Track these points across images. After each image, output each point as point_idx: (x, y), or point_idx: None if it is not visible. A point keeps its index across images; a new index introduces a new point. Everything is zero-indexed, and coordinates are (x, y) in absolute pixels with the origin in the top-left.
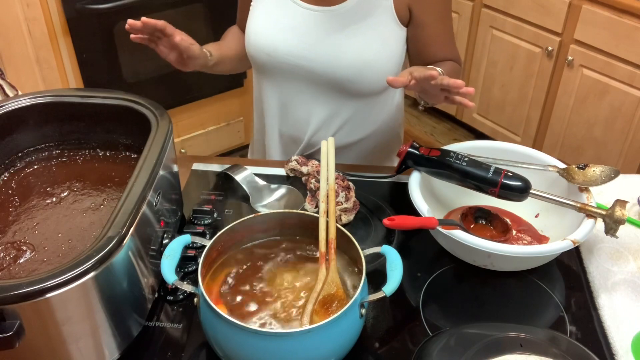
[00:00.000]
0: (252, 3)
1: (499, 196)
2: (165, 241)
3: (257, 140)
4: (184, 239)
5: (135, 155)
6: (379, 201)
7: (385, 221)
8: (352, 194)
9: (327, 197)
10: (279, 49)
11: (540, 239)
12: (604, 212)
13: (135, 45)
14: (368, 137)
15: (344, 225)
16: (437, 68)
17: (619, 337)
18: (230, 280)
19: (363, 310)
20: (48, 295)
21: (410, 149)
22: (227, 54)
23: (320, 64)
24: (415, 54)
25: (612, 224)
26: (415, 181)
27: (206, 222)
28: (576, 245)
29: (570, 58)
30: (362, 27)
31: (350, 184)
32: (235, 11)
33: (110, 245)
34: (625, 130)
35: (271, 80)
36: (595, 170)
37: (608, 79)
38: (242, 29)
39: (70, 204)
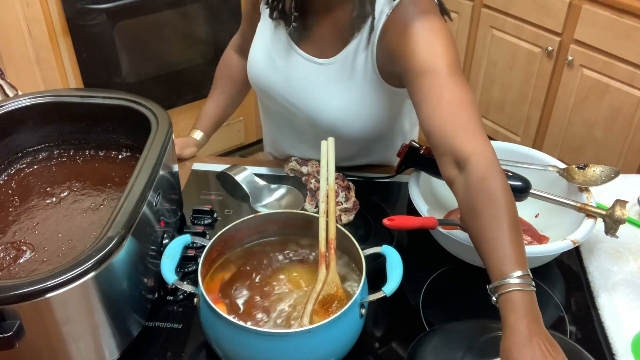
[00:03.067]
0: (257, 30)
1: None
2: (165, 241)
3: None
4: (184, 239)
5: (136, 155)
6: (379, 201)
7: (385, 221)
8: (352, 194)
9: (327, 197)
10: (271, 87)
11: (540, 239)
12: (604, 212)
13: (135, 45)
14: (367, 164)
15: (344, 225)
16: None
17: (619, 337)
18: (230, 280)
19: (363, 310)
20: (48, 295)
21: (410, 149)
22: (225, 112)
23: (302, 112)
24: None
25: (612, 224)
26: (415, 181)
27: (206, 222)
28: (576, 245)
29: (570, 58)
30: (344, 87)
31: (350, 184)
32: (232, 12)
33: (110, 245)
34: (625, 130)
35: (264, 108)
36: (595, 170)
37: (608, 79)
38: (240, 51)
39: (70, 204)
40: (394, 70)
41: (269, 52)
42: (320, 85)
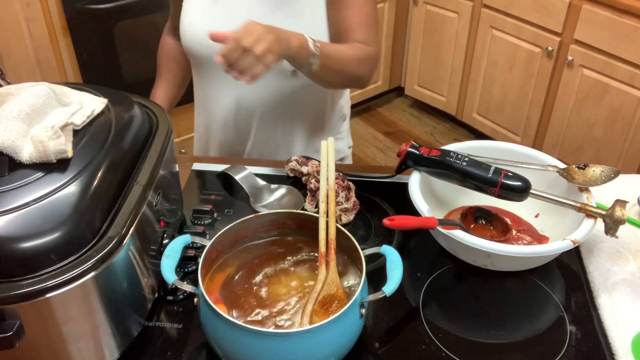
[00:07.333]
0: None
1: (499, 196)
2: (165, 241)
3: (201, 139)
4: (184, 239)
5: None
6: (379, 201)
7: (385, 221)
8: (352, 194)
9: (327, 197)
10: (211, 43)
11: (540, 239)
12: (604, 212)
13: (135, 45)
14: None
15: (344, 225)
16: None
17: (619, 337)
18: (230, 280)
19: (363, 310)
20: (48, 295)
21: (410, 149)
22: (176, 95)
23: None
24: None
25: (612, 224)
26: (415, 181)
27: (206, 222)
28: (576, 245)
29: (570, 58)
30: (292, 10)
31: (350, 184)
32: None
33: (110, 245)
34: (625, 130)
35: (210, 73)
36: (595, 170)
37: (608, 79)
38: (174, 34)
39: None
40: None
41: (204, 6)
42: (267, 15)
